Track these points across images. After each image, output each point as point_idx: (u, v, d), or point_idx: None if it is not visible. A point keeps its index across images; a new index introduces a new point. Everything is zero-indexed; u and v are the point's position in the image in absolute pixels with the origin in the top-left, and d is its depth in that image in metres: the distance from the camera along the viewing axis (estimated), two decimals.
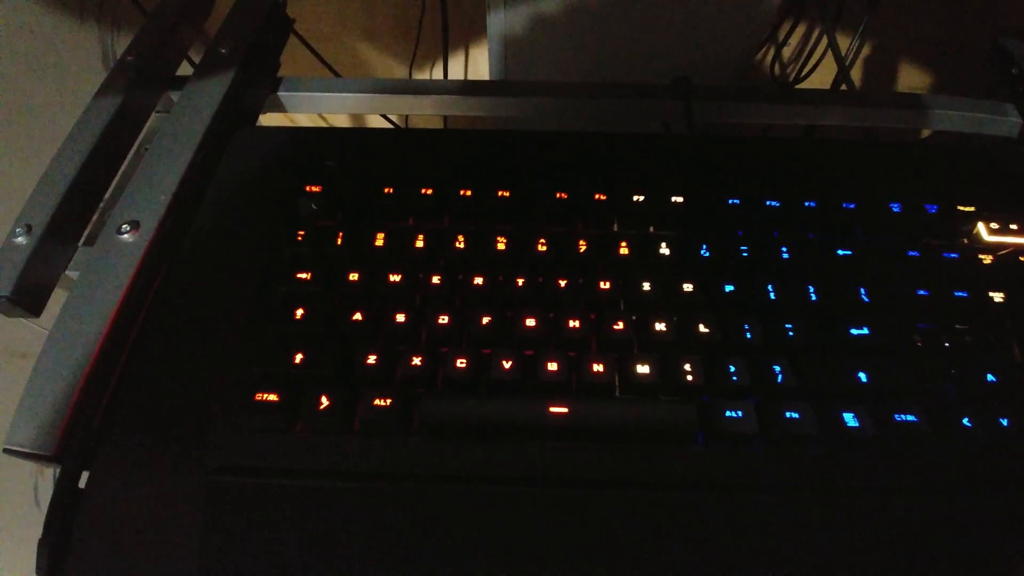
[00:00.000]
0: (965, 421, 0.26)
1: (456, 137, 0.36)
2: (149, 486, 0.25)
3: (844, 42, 0.59)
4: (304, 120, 0.74)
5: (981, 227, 0.32)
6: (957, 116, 0.47)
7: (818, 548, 0.24)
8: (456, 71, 0.77)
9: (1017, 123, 0.46)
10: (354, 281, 0.28)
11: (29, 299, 0.31)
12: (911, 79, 0.73)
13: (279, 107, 0.44)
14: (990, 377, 0.27)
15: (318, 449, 0.25)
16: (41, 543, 0.24)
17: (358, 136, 0.36)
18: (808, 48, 0.68)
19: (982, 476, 0.26)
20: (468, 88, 0.44)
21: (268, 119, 0.45)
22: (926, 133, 0.59)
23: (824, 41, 0.65)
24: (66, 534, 0.24)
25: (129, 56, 0.42)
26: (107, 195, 0.38)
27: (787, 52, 0.71)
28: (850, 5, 0.61)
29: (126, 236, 0.32)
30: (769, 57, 0.72)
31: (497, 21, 0.56)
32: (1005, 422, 0.26)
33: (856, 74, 0.72)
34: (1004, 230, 0.32)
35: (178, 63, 0.45)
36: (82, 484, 0.25)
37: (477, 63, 0.77)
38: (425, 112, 0.45)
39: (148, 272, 0.31)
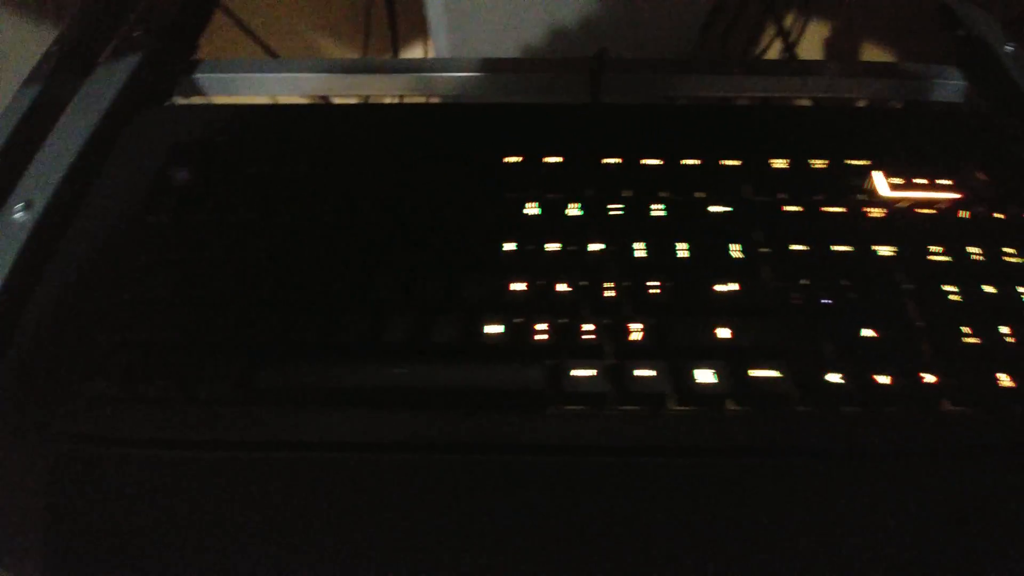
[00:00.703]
0: (832, 379, 0.25)
1: (345, 111, 0.35)
2: (11, 450, 0.25)
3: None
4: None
5: (879, 181, 0.31)
6: (899, 83, 0.46)
7: (663, 511, 0.23)
8: (413, 56, 0.77)
9: (960, 86, 0.44)
10: (208, 248, 0.27)
11: None
12: (871, 55, 0.71)
13: (196, 90, 0.45)
14: (866, 333, 0.26)
15: (160, 417, 0.25)
16: None
17: (253, 111, 0.35)
18: (763, 25, 0.66)
19: (845, 438, 0.24)
20: (383, 66, 0.44)
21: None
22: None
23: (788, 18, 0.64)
24: None
25: (54, 46, 0.42)
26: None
27: (745, 30, 0.69)
28: None
29: (19, 216, 0.33)
30: (732, 33, 0.70)
31: (436, 4, 0.56)
32: (881, 379, 0.25)
33: (814, 51, 0.70)
34: (907, 185, 0.31)
35: (101, 50, 0.45)
36: None
37: (430, 52, 0.77)
38: (343, 93, 0.45)
39: (38, 249, 0.32)
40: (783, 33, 0.57)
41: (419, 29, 0.75)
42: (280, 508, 0.23)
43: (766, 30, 0.64)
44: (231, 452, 0.24)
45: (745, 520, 0.23)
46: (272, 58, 0.63)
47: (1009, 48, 0.42)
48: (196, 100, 0.45)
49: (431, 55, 0.77)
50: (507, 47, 0.60)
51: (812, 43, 0.67)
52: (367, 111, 0.34)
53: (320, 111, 0.36)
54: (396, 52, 0.72)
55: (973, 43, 0.43)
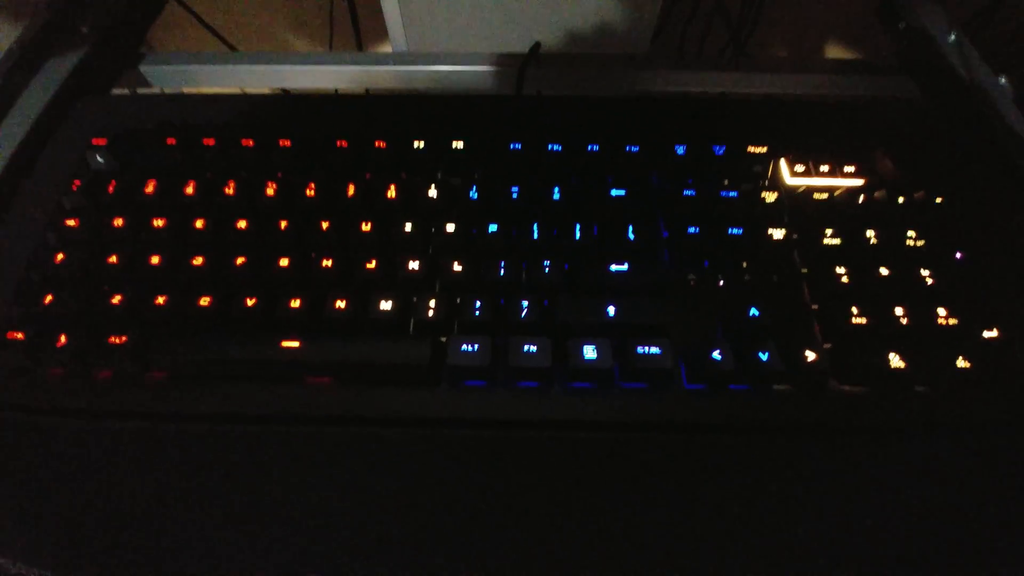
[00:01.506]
0: (715, 355, 0.25)
1: (273, 101, 0.36)
2: None
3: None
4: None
5: (782, 168, 0.31)
6: (835, 78, 0.46)
7: (538, 483, 0.24)
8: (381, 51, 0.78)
9: (899, 79, 0.45)
10: (118, 227, 0.28)
11: None
12: (835, 52, 0.71)
13: (144, 82, 0.45)
14: (753, 312, 0.26)
15: (61, 388, 0.25)
16: None
17: (180, 100, 0.36)
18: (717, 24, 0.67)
19: (732, 413, 0.25)
20: (322, 59, 0.45)
21: None
22: None
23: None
24: None
25: (14, 45, 0.43)
26: None
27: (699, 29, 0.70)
28: None
29: None
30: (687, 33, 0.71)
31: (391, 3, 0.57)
32: (765, 356, 0.25)
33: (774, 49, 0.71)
34: (808, 171, 0.31)
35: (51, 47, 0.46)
36: None
37: (393, 43, 0.78)
38: (274, 84, 0.46)
39: None
40: (734, 33, 0.57)
41: (382, 26, 0.76)
42: (174, 477, 0.24)
43: (719, 31, 0.64)
44: (127, 422, 0.25)
45: (624, 491, 0.24)
46: (229, 50, 0.64)
47: (952, 38, 0.42)
48: (139, 91, 0.46)
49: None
50: (463, 42, 0.61)
51: (767, 42, 0.67)
52: (285, 101, 0.35)
53: (240, 100, 0.36)
54: (360, 48, 0.72)
55: (912, 34, 0.43)
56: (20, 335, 0.26)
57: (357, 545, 0.23)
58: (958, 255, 0.29)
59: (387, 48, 0.78)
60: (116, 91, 0.44)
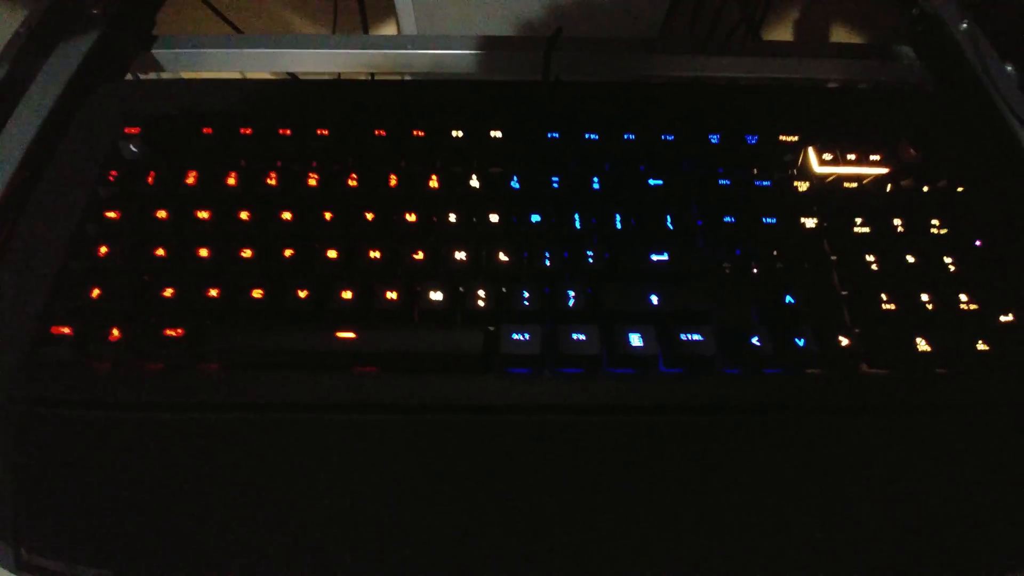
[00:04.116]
0: (754, 340, 0.26)
1: (303, 87, 0.36)
2: None
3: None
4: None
5: (811, 156, 0.32)
6: (848, 64, 0.46)
7: (596, 465, 0.25)
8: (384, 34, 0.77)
9: (913, 64, 0.45)
10: (162, 219, 0.28)
11: None
12: (841, 39, 0.72)
13: (155, 65, 0.45)
14: (788, 299, 0.27)
15: (114, 380, 0.25)
16: None
17: (206, 85, 0.36)
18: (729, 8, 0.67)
19: (768, 396, 0.26)
20: (342, 43, 0.44)
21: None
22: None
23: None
24: None
25: (21, 28, 0.42)
26: None
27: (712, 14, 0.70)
28: None
29: None
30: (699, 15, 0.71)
31: None
32: (801, 342, 0.26)
33: (783, 36, 0.71)
34: (837, 160, 0.32)
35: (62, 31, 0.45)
36: None
37: (402, 25, 0.77)
38: (291, 68, 0.45)
39: (3, 223, 0.32)
40: (747, 15, 0.57)
41: (388, 9, 0.74)
42: (231, 466, 0.24)
43: (731, 13, 0.64)
44: (182, 413, 0.25)
45: (670, 474, 0.25)
46: (236, 33, 0.62)
47: (964, 25, 0.42)
48: (154, 75, 0.45)
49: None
50: (472, 25, 0.60)
51: (779, 27, 0.68)
52: (318, 87, 0.35)
53: (269, 85, 0.36)
54: (366, 30, 0.71)
55: (926, 21, 0.44)
56: (67, 329, 0.26)
57: (412, 530, 0.24)
58: (977, 243, 0.30)
59: (391, 30, 0.77)
60: (132, 76, 0.43)
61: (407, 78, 0.54)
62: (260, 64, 0.46)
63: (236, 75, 0.52)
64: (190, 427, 0.25)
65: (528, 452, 0.25)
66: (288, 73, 0.55)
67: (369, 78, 0.54)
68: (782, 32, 0.71)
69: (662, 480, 0.25)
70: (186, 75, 0.48)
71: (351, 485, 0.24)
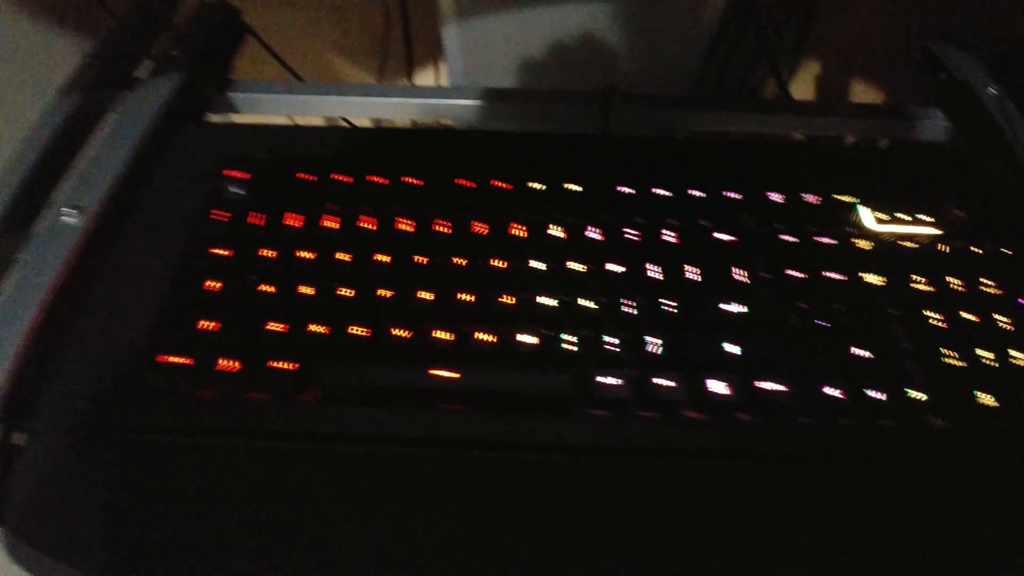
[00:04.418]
0: (829, 391, 0.28)
1: (383, 134, 0.38)
2: (72, 441, 0.26)
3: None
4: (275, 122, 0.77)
5: (865, 216, 0.34)
6: (883, 123, 0.49)
7: (686, 511, 0.26)
8: (425, 83, 0.80)
9: (944, 127, 0.48)
10: (266, 257, 0.30)
11: None
12: (861, 93, 0.76)
13: (230, 107, 0.47)
14: (859, 352, 0.29)
15: (222, 409, 0.27)
16: None
17: (290, 131, 0.38)
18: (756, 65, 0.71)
19: (843, 446, 0.27)
20: (399, 92, 0.47)
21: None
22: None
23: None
24: (1, 485, 0.26)
25: (90, 59, 0.44)
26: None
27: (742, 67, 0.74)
28: (792, 23, 0.64)
29: (69, 219, 0.34)
30: (728, 70, 0.75)
31: (451, 35, 0.59)
32: (873, 394, 0.28)
33: (807, 90, 0.75)
34: (890, 219, 0.34)
35: (136, 66, 0.48)
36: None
37: (443, 76, 0.80)
38: (358, 115, 0.48)
39: (90, 252, 0.33)
40: (776, 71, 0.61)
41: (432, 55, 0.78)
42: (331, 497, 0.25)
43: (761, 67, 0.68)
44: (287, 443, 0.26)
45: (751, 518, 0.26)
46: (297, 80, 0.65)
47: (992, 91, 0.45)
48: (230, 117, 0.48)
49: (443, 81, 0.80)
50: (517, 75, 0.63)
51: (805, 81, 0.71)
52: (390, 135, 0.37)
53: (353, 132, 0.38)
54: (410, 77, 0.75)
55: (954, 86, 0.47)
56: (177, 359, 0.27)
57: (500, 562, 0.24)
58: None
59: (431, 78, 0.81)
60: (211, 117, 0.45)
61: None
62: (323, 110, 0.48)
63: (303, 119, 0.55)
64: (286, 456, 0.26)
65: (611, 491, 0.26)
66: (344, 119, 0.58)
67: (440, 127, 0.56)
68: (805, 88, 0.75)
69: (739, 524, 0.26)
70: (251, 118, 0.51)
71: (445, 517, 0.25)
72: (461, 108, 0.47)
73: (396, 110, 0.47)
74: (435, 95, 0.47)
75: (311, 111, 0.48)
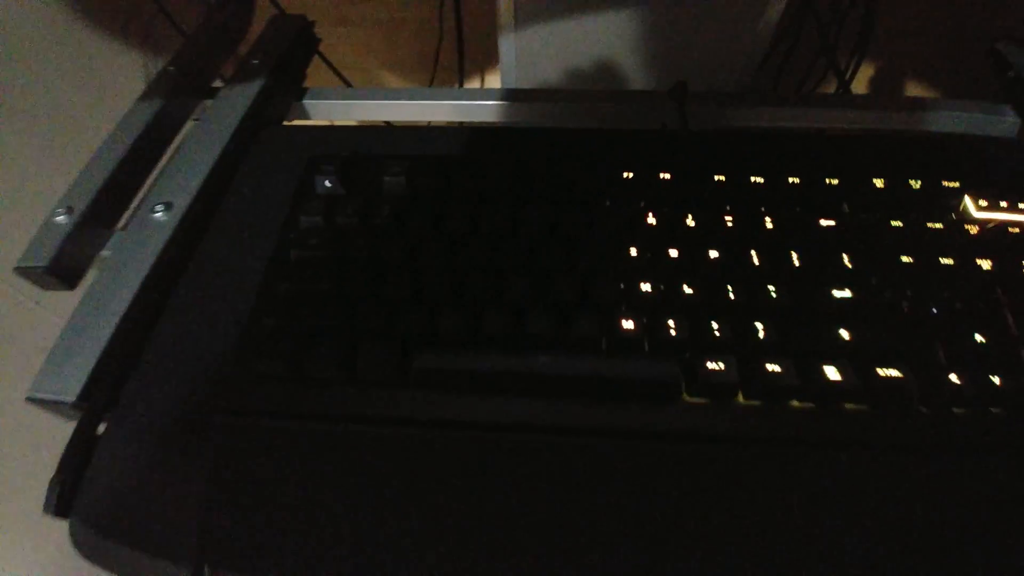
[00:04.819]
0: (953, 378, 0.26)
1: (456, 132, 0.38)
2: (160, 431, 0.26)
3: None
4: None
5: (968, 202, 0.33)
6: (955, 117, 0.48)
7: (799, 500, 0.25)
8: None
9: (1015, 123, 0.47)
10: (361, 247, 0.30)
11: (65, 273, 0.34)
12: (920, 92, 0.74)
13: (303, 114, 0.48)
14: (978, 338, 0.27)
15: (322, 395, 0.27)
16: (52, 482, 0.25)
17: (368, 131, 0.39)
18: (815, 63, 0.70)
19: (970, 436, 0.26)
20: (476, 95, 0.47)
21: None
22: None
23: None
24: (78, 476, 0.26)
25: (170, 67, 0.46)
26: (144, 189, 0.42)
27: (799, 66, 0.73)
28: (852, 22, 0.63)
29: (159, 215, 0.35)
30: (786, 69, 0.74)
31: (508, 44, 0.60)
32: (996, 380, 0.26)
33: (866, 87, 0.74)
34: (992, 206, 0.33)
35: (213, 76, 0.49)
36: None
37: (504, 83, 0.81)
38: (434, 118, 0.48)
39: (179, 247, 0.34)
40: (837, 70, 0.60)
41: (481, 70, 0.79)
42: (431, 481, 0.25)
43: (818, 69, 0.67)
44: (386, 428, 0.26)
45: (853, 506, 0.24)
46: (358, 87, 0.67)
47: None
48: (302, 122, 0.49)
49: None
50: (570, 81, 0.64)
51: (864, 81, 0.70)
52: (464, 133, 0.37)
53: (426, 131, 0.39)
54: (461, 84, 0.76)
55: (1022, 84, 0.46)
56: (282, 345, 0.27)
57: (600, 549, 0.23)
58: None
59: (486, 85, 0.82)
60: (290, 122, 0.46)
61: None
62: (390, 114, 0.49)
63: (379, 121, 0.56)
64: (387, 442, 0.26)
65: (718, 478, 0.25)
66: (385, 122, 0.59)
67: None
68: (865, 89, 0.73)
69: (845, 512, 0.24)
70: (324, 122, 0.52)
71: (538, 505, 0.25)
72: (529, 109, 0.48)
73: (462, 113, 0.48)
74: (500, 97, 0.48)
75: (379, 115, 0.49)
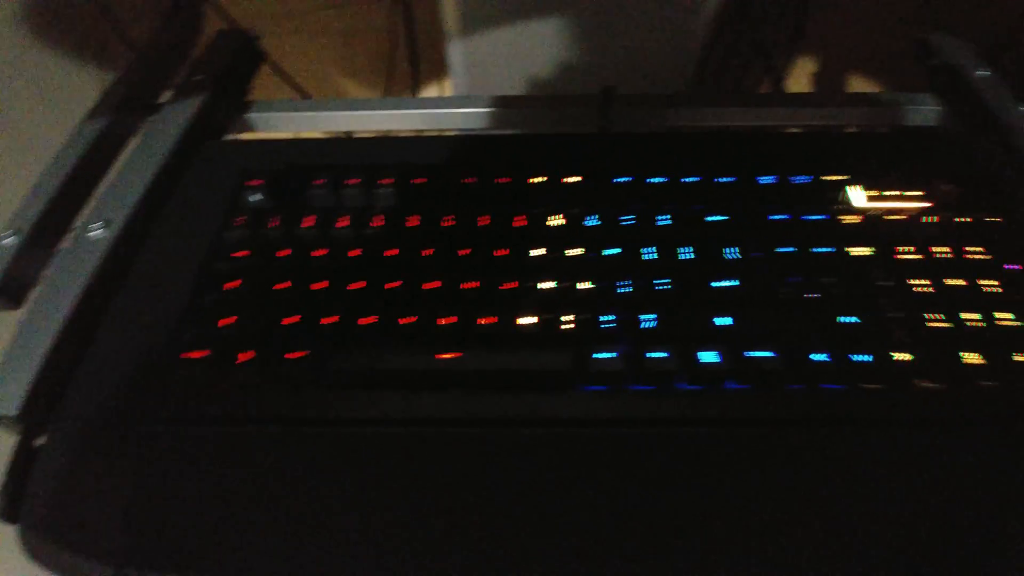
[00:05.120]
0: (816, 357, 0.29)
1: (390, 142, 0.40)
2: (94, 439, 0.28)
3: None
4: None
5: (852, 194, 0.35)
6: (875, 111, 0.50)
7: (680, 478, 0.27)
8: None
9: (936, 111, 0.49)
10: (283, 256, 0.32)
11: (11, 292, 0.36)
12: (857, 88, 0.77)
13: (249, 127, 0.50)
14: (844, 319, 0.30)
15: (244, 400, 0.29)
16: (2, 489, 0.27)
17: (308, 144, 0.41)
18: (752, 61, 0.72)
19: (833, 410, 0.28)
20: (410, 104, 0.49)
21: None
22: None
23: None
24: (21, 484, 0.27)
25: (117, 85, 0.48)
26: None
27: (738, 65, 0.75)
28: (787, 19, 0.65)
29: (95, 233, 0.37)
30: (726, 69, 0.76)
31: (456, 52, 0.62)
32: (858, 358, 0.29)
33: (802, 87, 0.76)
34: (880, 197, 0.35)
35: (159, 93, 0.51)
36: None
37: (447, 94, 0.83)
38: (378, 128, 0.50)
39: (116, 263, 0.36)
40: (771, 67, 0.62)
41: (436, 75, 0.81)
42: (349, 480, 0.27)
43: (756, 66, 0.70)
44: (303, 428, 0.28)
45: (742, 483, 0.27)
46: (307, 99, 0.69)
47: (982, 73, 0.46)
48: (247, 136, 0.51)
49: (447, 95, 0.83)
50: (519, 84, 0.66)
51: (799, 77, 0.73)
52: (398, 142, 0.39)
53: (361, 143, 0.41)
54: (415, 94, 0.78)
55: (946, 71, 0.48)
56: (199, 354, 0.29)
57: (503, 533, 0.26)
58: (1017, 267, 0.33)
59: (435, 94, 0.84)
60: (230, 136, 0.48)
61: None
62: (334, 125, 0.51)
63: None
64: (303, 441, 0.28)
65: (607, 461, 0.27)
66: (344, 132, 0.61)
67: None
68: (800, 85, 0.76)
69: (729, 488, 0.27)
70: (267, 136, 0.54)
71: (449, 493, 0.27)
72: (464, 116, 0.50)
73: (402, 121, 0.50)
74: (438, 105, 0.50)
75: (323, 126, 0.51)
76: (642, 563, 0.25)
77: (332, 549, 0.25)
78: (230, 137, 0.49)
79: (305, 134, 0.56)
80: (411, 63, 0.74)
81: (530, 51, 0.63)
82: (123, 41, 0.61)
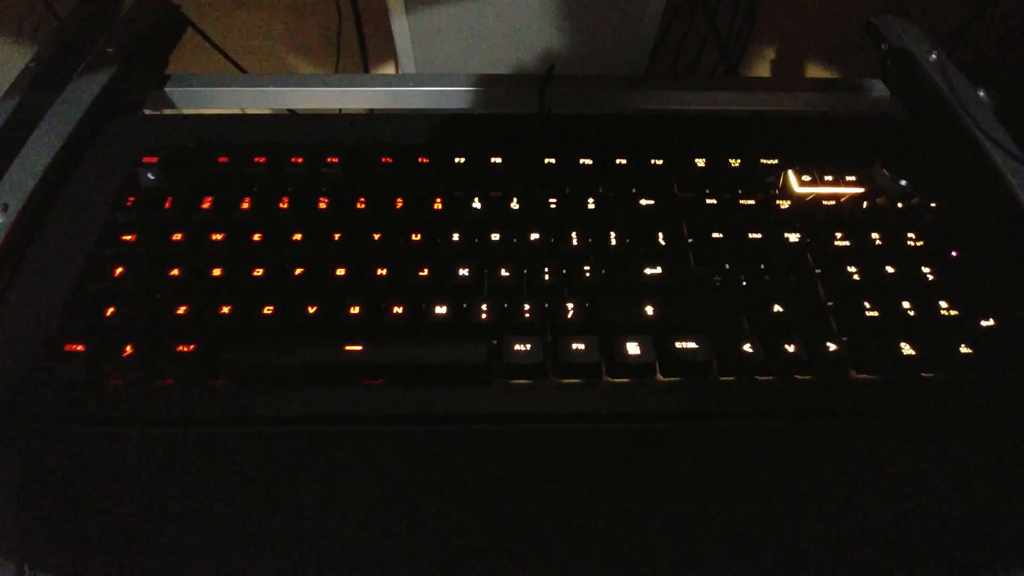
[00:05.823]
0: (746, 347, 0.27)
1: (310, 120, 0.38)
2: None
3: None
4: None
5: (791, 178, 0.34)
6: (822, 96, 0.49)
7: (594, 471, 0.25)
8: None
9: (884, 96, 0.48)
10: (177, 241, 0.29)
11: None
12: (813, 74, 0.76)
13: (167, 102, 0.47)
14: (776, 308, 0.29)
15: (125, 397, 0.26)
16: None
17: (219, 120, 0.38)
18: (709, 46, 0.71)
19: (761, 402, 0.27)
20: (347, 81, 0.47)
21: None
22: None
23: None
24: None
25: (32, 63, 0.44)
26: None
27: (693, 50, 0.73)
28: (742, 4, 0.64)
29: None
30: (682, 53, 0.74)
31: (400, 25, 0.59)
32: (790, 349, 0.28)
33: (759, 72, 0.75)
34: (815, 181, 0.34)
35: (77, 66, 0.47)
36: None
37: (402, 67, 0.80)
38: (307, 106, 0.48)
39: (13, 249, 0.33)
40: (725, 52, 0.61)
41: (389, 50, 0.78)
42: (239, 479, 0.25)
43: (711, 54, 0.68)
44: (192, 428, 0.26)
45: (666, 477, 0.25)
46: (240, 73, 0.65)
47: (933, 56, 0.45)
48: (167, 111, 0.47)
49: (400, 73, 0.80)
50: (468, 63, 0.63)
51: (756, 63, 0.71)
52: (323, 120, 0.37)
53: (279, 119, 0.38)
54: (366, 71, 0.75)
55: (896, 55, 0.47)
56: (81, 347, 0.27)
57: (417, 536, 0.24)
58: (953, 253, 0.32)
59: (390, 70, 0.80)
60: (147, 111, 0.45)
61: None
62: (266, 101, 0.48)
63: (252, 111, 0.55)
64: (200, 442, 0.26)
65: (529, 460, 0.26)
66: (288, 110, 0.58)
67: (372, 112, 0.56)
68: (758, 72, 0.75)
69: (659, 485, 0.25)
70: (189, 111, 0.50)
71: (358, 495, 0.25)
72: (398, 94, 0.47)
73: (338, 99, 0.47)
74: (364, 83, 0.47)
75: (252, 103, 0.48)
76: (558, 559, 0.24)
77: (209, 555, 0.24)
78: (147, 112, 0.46)
79: (251, 111, 0.53)
80: (359, 38, 0.70)
81: (478, 29, 0.60)
82: (51, 11, 0.56)
